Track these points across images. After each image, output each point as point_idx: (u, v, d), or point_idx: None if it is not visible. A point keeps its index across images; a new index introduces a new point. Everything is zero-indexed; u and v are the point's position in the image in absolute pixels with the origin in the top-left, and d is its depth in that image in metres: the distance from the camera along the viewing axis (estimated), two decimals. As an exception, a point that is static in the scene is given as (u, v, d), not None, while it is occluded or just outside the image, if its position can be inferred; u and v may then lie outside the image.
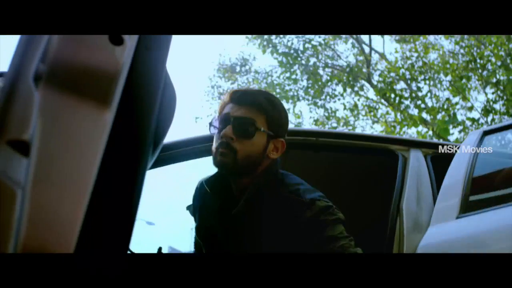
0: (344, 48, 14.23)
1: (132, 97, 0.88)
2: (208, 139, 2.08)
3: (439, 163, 2.28)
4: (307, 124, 13.90)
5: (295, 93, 13.50)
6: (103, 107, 0.82)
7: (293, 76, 13.21)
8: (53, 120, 0.77)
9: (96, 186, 0.76)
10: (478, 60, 11.76)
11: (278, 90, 13.26)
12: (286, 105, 13.07)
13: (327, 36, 13.53)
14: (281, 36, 12.95)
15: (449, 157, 2.21)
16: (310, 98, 13.55)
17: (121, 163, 0.84)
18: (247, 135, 1.80)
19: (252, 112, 1.82)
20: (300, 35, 13.03)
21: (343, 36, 13.85)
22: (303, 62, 13.25)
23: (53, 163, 0.75)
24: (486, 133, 2.16)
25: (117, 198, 0.82)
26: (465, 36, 12.57)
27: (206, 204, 1.97)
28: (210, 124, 1.87)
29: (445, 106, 12.45)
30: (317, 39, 13.44)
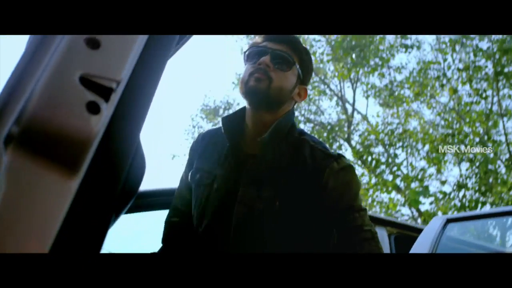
0: (328, 105, 14.39)
1: (100, 164, 0.89)
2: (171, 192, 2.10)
3: (403, 244, 2.31)
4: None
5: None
6: (71, 174, 0.82)
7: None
8: (18, 183, 0.78)
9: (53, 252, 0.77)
10: (456, 134, 11.95)
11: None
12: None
13: (311, 92, 13.66)
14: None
15: (413, 239, 2.24)
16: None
17: (82, 230, 0.85)
18: (284, 67, 1.85)
19: (289, 49, 1.87)
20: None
21: (328, 92, 14.02)
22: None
23: (11, 227, 0.75)
24: (449, 220, 2.23)
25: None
26: (447, 107, 12.79)
27: (209, 151, 1.96)
28: (245, 53, 1.91)
29: (419, 176, 12.57)
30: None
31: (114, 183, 0.89)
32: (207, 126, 15.57)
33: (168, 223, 2.05)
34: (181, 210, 2.04)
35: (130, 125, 0.94)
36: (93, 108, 0.86)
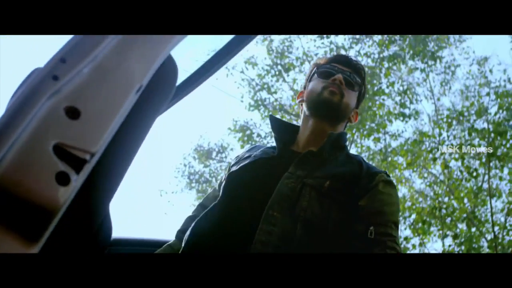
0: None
1: (63, 233, 0.87)
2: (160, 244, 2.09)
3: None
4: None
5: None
6: (30, 244, 0.81)
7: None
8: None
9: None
10: (444, 207, 11.95)
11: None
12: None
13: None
14: (261, 136, 13.11)
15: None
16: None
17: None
18: (352, 86, 2.04)
19: (355, 73, 2.07)
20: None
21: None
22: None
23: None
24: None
25: None
26: (438, 179, 12.83)
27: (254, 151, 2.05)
28: (317, 68, 2.08)
29: (402, 245, 12.50)
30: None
31: (76, 250, 0.88)
32: (198, 167, 15.55)
33: (188, 218, 2.12)
34: (205, 206, 2.06)
35: (99, 196, 0.93)
36: (63, 179, 0.85)
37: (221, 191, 1.91)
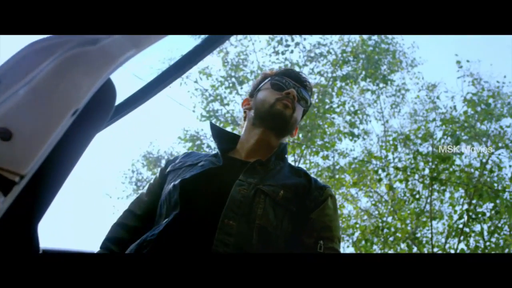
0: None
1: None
2: None
3: None
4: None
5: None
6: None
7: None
8: None
9: None
10: (387, 227, 12.15)
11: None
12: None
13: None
14: (211, 147, 13.08)
15: None
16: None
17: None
18: (303, 103, 2.11)
19: (305, 90, 2.13)
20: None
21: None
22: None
23: None
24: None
25: None
26: (383, 199, 13.05)
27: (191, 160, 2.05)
28: (270, 79, 2.11)
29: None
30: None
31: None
32: (147, 174, 15.41)
33: (115, 225, 2.04)
34: (133, 212, 2.05)
35: (27, 217, 0.94)
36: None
37: (176, 200, 1.82)
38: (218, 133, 2.11)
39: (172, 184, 1.89)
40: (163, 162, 15.16)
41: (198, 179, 1.86)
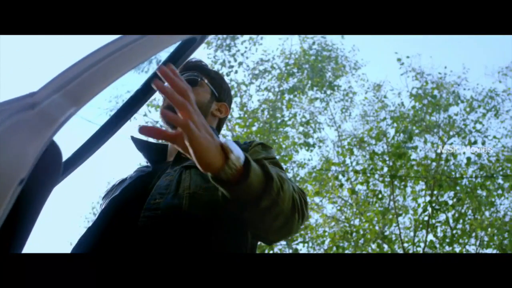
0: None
1: None
2: None
3: None
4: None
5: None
6: None
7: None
8: None
9: None
10: (355, 234, 12.25)
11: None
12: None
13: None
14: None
15: None
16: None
17: None
18: (192, 83, 1.96)
19: (195, 72, 2.01)
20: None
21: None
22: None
23: None
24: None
25: None
26: (348, 203, 13.17)
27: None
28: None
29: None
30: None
31: None
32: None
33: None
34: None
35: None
36: None
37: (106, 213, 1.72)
38: (143, 146, 1.98)
39: (104, 204, 1.80)
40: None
41: (128, 189, 1.75)
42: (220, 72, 12.85)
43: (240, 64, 13.09)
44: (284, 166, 13.31)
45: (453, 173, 11.91)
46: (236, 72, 13.06)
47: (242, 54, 13.08)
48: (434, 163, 12.12)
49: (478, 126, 13.16)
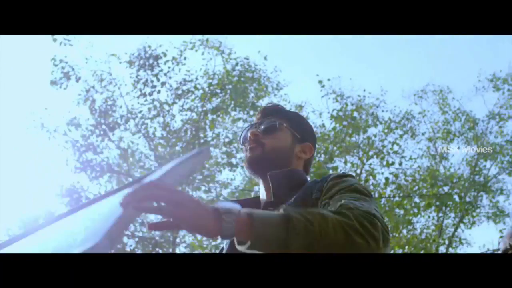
0: (154, 216, 14.18)
1: None
2: None
3: None
4: None
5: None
6: None
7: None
8: None
9: None
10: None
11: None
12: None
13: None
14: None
15: None
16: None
17: None
18: (272, 129, 1.95)
19: (273, 117, 2.00)
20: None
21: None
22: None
23: None
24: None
25: None
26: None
27: None
28: (240, 139, 2.05)
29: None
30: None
31: None
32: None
33: None
34: None
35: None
36: None
37: None
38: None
39: None
40: (40, 221, 14.51)
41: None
42: (143, 91, 12.73)
43: (163, 84, 13.00)
44: (207, 187, 13.29)
45: (372, 193, 12.22)
46: (159, 92, 12.96)
47: (165, 74, 13.00)
48: (353, 183, 12.37)
49: (396, 147, 13.60)
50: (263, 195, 1.92)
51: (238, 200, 1.92)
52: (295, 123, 2.04)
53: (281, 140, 1.96)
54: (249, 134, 1.95)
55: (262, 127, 1.97)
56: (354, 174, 12.83)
